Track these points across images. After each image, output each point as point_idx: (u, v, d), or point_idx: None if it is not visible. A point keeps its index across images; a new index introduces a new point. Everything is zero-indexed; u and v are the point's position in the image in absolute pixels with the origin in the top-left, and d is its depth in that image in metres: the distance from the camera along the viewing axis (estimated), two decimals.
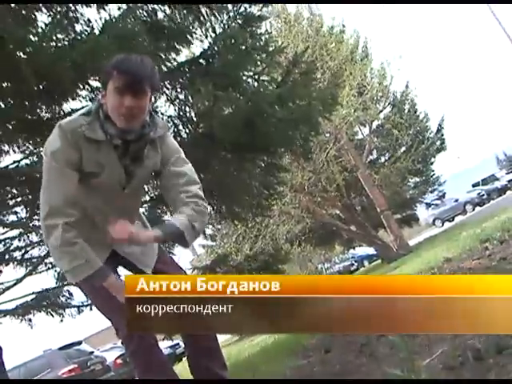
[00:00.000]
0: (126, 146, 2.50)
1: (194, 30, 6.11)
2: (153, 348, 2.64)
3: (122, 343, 2.70)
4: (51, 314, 8.28)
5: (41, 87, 5.03)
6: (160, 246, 2.99)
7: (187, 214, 2.51)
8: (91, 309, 8.36)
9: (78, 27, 5.24)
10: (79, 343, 15.61)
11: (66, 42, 5.04)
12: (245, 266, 7.97)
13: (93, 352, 15.74)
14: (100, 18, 5.40)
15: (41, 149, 6.31)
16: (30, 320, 8.23)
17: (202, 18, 6.19)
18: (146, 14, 5.69)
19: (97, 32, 5.09)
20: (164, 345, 17.10)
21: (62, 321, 8.54)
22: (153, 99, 2.61)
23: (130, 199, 2.72)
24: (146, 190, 6.66)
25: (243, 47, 6.12)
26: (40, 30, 4.97)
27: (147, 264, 2.80)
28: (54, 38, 5.01)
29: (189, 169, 2.69)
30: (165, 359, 2.76)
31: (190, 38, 6.01)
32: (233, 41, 6.11)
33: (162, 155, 2.64)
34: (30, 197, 6.63)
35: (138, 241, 2.47)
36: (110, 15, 5.28)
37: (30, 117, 5.46)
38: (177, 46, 5.92)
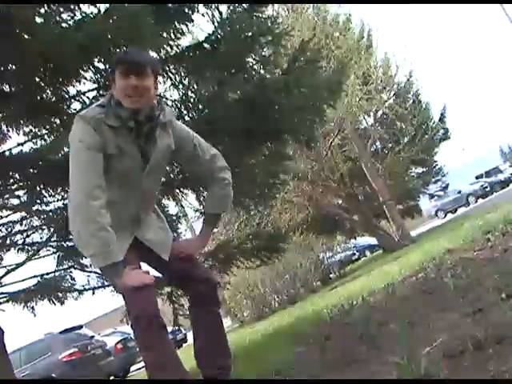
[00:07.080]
0: (139, 128, 2.71)
1: (198, 9, 6.06)
2: (161, 331, 2.64)
3: (131, 326, 2.67)
4: (53, 302, 8.23)
5: (45, 69, 5.00)
6: (174, 238, 3.15)
7: (217, 195, 3.06)
8: (93, 293, 8.36)
9: (84, 7, 5.19)
10: (80, 327, 15.70)
11: (72, 23, 5.00)
12: (247, 246, 7.94)
13: (93, 336, 15.85)
14: None
15: (44, 131, 6.30)
16: (32, 308, 8.18)
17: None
18: None
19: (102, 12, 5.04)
20: None
21: (63, 303, 8.47)
22: (158, 86, 2.87)
23: (148, 184, 2.87)
24: None
25: (249, 32, 6.06)
26: (45, 8, 4.92)
27: (165, 252, 2.95)
28: (59, 18, 4.98)
29: (207, 145, 3.03)
30: (171, 344, 2.76)
31: (193, 16, 5.97)
32: (238, 26, 6.06)
33: (175, 137, 2.89)
34: (32, 181, 6.57)
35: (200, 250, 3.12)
36: None
37: (34, 99, 5.42)
38: (182, 27, 5.87)
